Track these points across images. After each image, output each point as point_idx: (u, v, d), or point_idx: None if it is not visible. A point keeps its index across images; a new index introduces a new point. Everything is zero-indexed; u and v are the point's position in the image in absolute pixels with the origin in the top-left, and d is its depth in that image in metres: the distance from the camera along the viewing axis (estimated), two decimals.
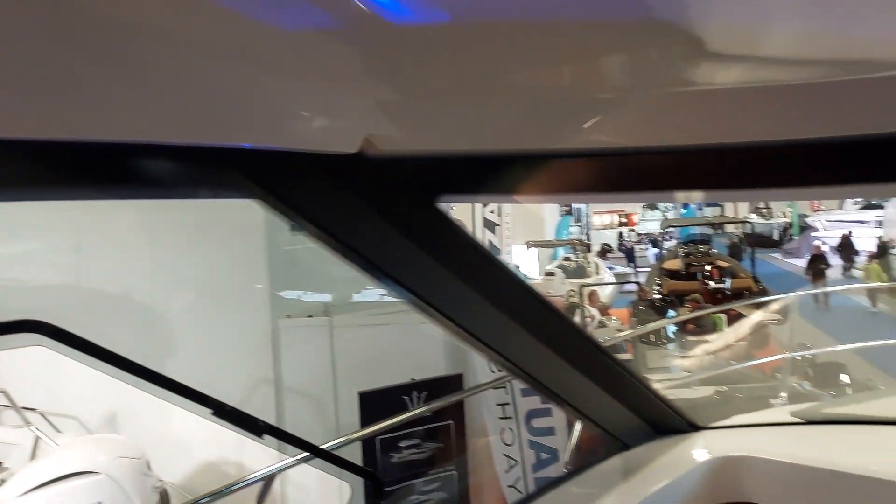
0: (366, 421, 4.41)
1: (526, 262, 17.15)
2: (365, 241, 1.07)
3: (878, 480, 1.57)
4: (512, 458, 5.00)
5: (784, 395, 3.36)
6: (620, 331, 9.09)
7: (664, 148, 0.85)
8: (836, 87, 0.64)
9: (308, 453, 1.60)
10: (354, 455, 4.42)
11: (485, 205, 11.49)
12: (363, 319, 5.18)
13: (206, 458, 4.46)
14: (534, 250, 18.10)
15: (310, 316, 5.21)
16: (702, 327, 9.96)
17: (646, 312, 10.75)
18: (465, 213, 11.42)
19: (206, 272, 4.85)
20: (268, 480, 1.54)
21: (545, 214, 24.15)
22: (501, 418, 5.05)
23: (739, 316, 11.08)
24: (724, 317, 11.40)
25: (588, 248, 28.04)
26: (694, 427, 1.91)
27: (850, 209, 29.22)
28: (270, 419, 4.92)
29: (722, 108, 0.74)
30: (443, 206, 1.13)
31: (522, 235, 16.98)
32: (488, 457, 5.09)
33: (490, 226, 11.66)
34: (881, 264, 17.83)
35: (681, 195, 1.05)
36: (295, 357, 5.00)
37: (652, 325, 8.56)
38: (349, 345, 5.12)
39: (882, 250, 19.05)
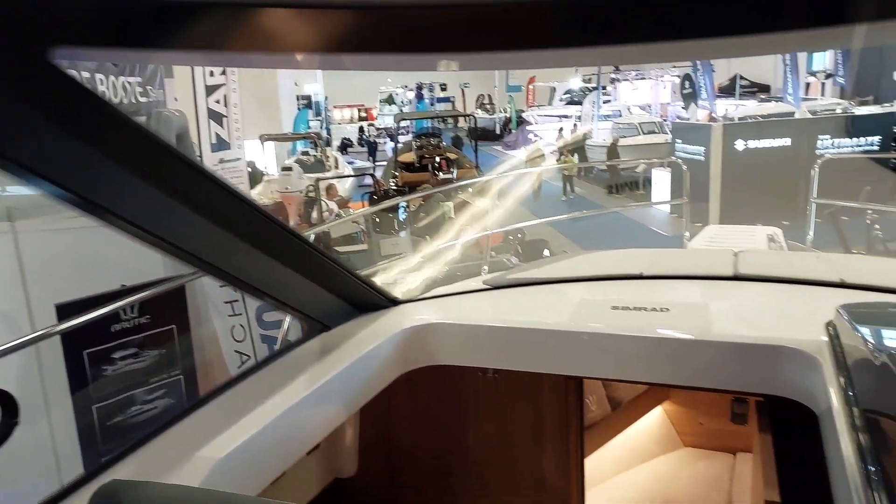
0: (67, 336, 3.94)
1: (262, 157, 16.44)
2: None
3: (543, 331, 1.80)
4: (244, 354, 4.92)
5: (486, 268, 3.72)
6: (356, 223, 9.29)
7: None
8: None
9: None
10: (59, 373, 3.97)
11: (209, 93, 10.57)
12: (59, 223, 4.49)
13: None
14: (270, 144, 17.38)
15: None
16: (431, 215, 10.62)
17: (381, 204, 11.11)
18: (186, 104, 10.38)
19: None
20: None
21: (282, 107, 23.17)
22: (231, 315, 4.89)
23: (464, 203, 12.05)
24: (450, 204, 12.29)
25: (328, 142, 27.84)
26: (393, 302, 2.00)
27: (558, 105, 32.93)
28: None
29: None
30: (63, 62, 0.91)
31: (255, 128, 16.13)
32: (219, 356, 4.94)
33: (216, 117, 10.79)
34: (579, 155, 20.56)
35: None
36: None
37: (376, 208, 8.87)
38: (44, 253, 4.43)
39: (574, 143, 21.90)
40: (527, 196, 16.78)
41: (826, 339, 1.46)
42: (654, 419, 3.74)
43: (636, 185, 17.80)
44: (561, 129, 24.30)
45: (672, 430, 3.77)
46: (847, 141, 13.61)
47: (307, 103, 30.66)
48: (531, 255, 9.13)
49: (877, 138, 13.81)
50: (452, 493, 2.10)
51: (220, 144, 10.70)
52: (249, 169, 13.47)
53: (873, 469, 0.97)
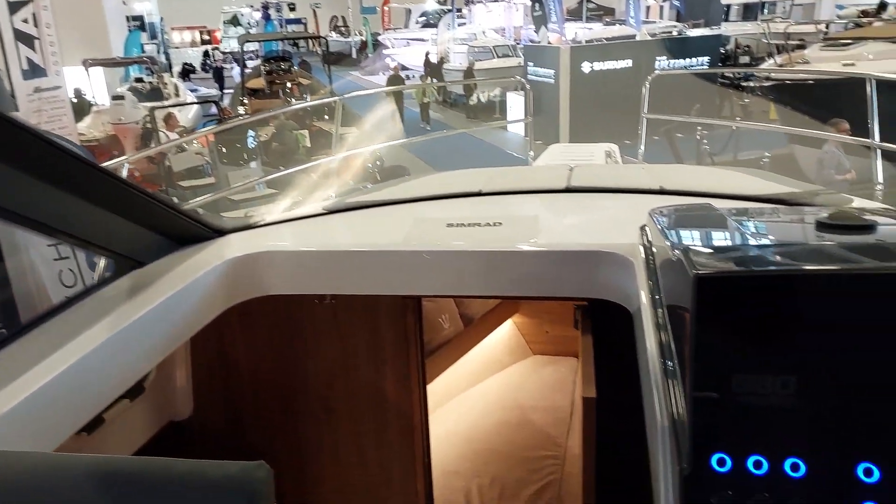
0: None
1: (89, 85, 14.79)
2: None
3: (378, 252, 1.76)
4: None
5: (333, 195, 3.60)
6: (200, 154, 8.65)
7: None
8: None
9: None
10: None
11: (13, 11, 9.19)
12: None
13: None
14: (98, 71, 15.64)
15: None
16: (284, 144, 10.15)
17: (228, 134, 10.43)
18: None
19: None
20: None
21: (109, 28, 20.81)
22: (56, 259, 4.42)
23: (321, 131, 11.63)
24: (306, 133, 11.83)
25: (167, 67, 25.55)
26: (219, 232, 1.87)
27: (415, 28, 32.25)
28: None
29: None
30: None
31: (78, 52, 14.41)
32: (48, 304, 4.49)
33: (26, 39, 9.46)
34: (438, 80, 20.33)
35: None
36: None
37: (210, 129, 8.29)
38: None
39: (437, 66, 21.60)
40: (386, 122, 16.47)
41: (639, 241, 1.53)
42: (506, 332, 3.91)
43: (493, 109, 18.06)
44: (428, 53, 23.58)
45: (522, 340, 3.97)
46: (681, 61, 14.54)
47: (139, 24, 27.78)
48: (391, 179, 9.05)
49: (706, 58, 14.88)
50: (296, 424, 2.06)
51: (35, 71, 9.44)
52: (74, 99, 12.07)
53: (671, 363, 1.03)
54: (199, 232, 1.81)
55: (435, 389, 3.23)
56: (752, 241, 1.11)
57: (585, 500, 1.47)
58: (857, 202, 2.00)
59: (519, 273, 1.70)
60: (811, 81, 10.08)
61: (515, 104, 15.67)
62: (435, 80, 19.85)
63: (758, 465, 0.84)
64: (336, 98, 4.20)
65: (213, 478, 0.87)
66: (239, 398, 2.06)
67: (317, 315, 1.96)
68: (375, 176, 9.34)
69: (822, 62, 11.12)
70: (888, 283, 0.87)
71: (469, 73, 18.75)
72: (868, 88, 3.79)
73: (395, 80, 18.94)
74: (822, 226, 1.08)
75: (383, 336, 1.97)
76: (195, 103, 14.45)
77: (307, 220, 2.07)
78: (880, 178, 3.84)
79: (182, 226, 1.75)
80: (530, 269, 1.69)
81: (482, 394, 3.53)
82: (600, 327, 1.69)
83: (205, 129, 9.07)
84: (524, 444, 3.05)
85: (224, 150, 9.11)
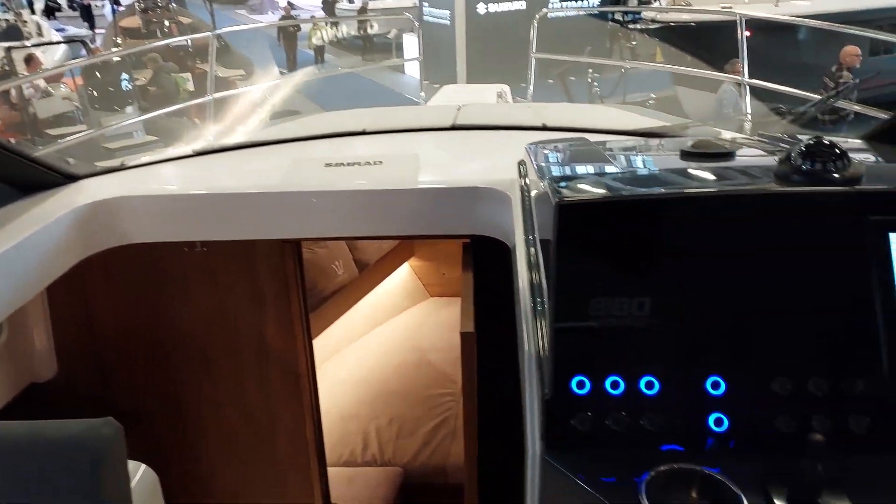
0: None
1: None
2: None
3: (251, 195, 1.66)
4: None
5: (211, 139, 3.39)
6: (69, 99, 7.91)
7: None
8: None
9: None
10: None
11: None
12: None
13: None
14: None
15: None
16: (163, 88, 9.47)
17: (100, 77, 9.59)
18: None
19: None
20: None
21: None
22: None
23: (203, 73, 10.93)
24: (188, 76, 11.10)
25: (29, 4, 23.08)
26: (71, 178, 1.70)
27: None
28: None
29: None
30: None
31: None
32: None
33: None
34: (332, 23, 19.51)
35: None
36: None
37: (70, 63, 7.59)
38: None
39: (331, 4, 20.70)
40: (277, 64, 15.71)
41: (517, 177, 1.53)
42: (402, 276, 3.90)
43: (389, 51, 17.61)
44: None
45: (419, 283, 3.98)
46: (573, 3, 14.67)
47: None
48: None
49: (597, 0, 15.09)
50: (171, 378, 1.97)
51: None
52: None
53: (539, 295, 1.03)
54: (46, 178, 1.64)
55: (331, 336, 3.19)
56: (616, 171, 1.12)
57: (467, 433, 1.50)
58: (726, 134, 2.09)
59: (399, 212, 1.66)
60: (694, 24, 10.47)
61: (411, 45, 15.35)
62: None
63: (615, 385, 0.86)
64: (210, 34, 3.91)
65: (52, 438, 0.79)
66: (107, 354, 1.93)
67: (187, 263, 1.85)
68: (266, 120, 8.92)
69: (703, 4, 11.54)
70: (736, 205, 0.89)
71: (363, 11, 18.15)
72: (739, 29, 3.97)
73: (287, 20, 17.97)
74: (685, 154, 1.10)
75: (263, 282, 1.88)
76: (59, 43, 13.12)
77: (174, 162, 1.92)
78: (748, 110, 4.10)
79: (26, 171, 1.58)
80: (410, 208, 1.65)
81: (381, 338, 3.53)
82: (482, 264, 1.69)
83: (59, 66, 8.26)
84: (423, 383, 3.09)
85: (96, 94, 8.37)
